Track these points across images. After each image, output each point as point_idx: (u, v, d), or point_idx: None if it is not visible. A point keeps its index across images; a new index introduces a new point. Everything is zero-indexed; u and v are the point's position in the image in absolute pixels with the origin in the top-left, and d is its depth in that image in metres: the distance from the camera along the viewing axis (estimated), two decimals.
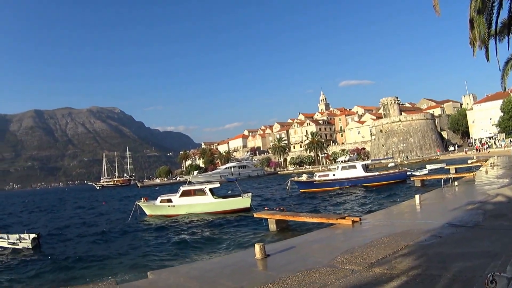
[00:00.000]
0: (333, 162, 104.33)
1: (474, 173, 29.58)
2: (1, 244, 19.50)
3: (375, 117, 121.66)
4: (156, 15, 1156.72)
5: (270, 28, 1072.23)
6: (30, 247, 19.29)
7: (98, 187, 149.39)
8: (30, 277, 14.45)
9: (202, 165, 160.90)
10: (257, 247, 9.63)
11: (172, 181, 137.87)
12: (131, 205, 44.39)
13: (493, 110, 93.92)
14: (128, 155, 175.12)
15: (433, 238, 9.39)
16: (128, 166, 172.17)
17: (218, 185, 30.47)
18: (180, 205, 29.51)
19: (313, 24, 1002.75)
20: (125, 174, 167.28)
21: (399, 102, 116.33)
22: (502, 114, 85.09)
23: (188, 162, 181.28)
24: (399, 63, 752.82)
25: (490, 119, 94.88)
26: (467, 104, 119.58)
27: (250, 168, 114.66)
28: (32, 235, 19.83)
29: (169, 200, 30.10)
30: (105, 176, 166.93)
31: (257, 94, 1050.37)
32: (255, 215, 19.02)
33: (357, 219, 13.75)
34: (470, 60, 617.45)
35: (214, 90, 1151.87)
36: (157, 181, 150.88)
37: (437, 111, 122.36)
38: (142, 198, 32.81)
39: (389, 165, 69.38)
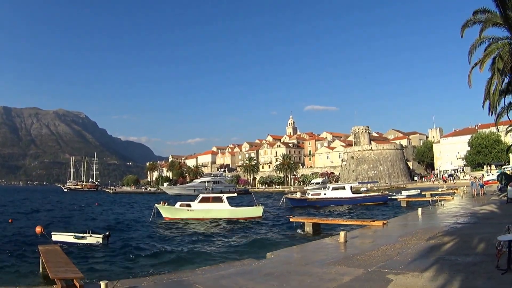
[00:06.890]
0: (301, 184, 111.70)
1: (452, 197, 35.28)
2: (75, 241, 19.98)
3: (344, 144, 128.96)
4: (130, 23, 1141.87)
5: (232, 48, 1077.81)
6: (101, 243, 19.85)
7: (65, 190, 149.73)
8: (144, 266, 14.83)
9: (171, 177, 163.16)
10: (341, 233, 13.20)
11: (143, 190, 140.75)
12: (124, 209, 48.74)
13: (460, 145, 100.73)
14: (95, 161, 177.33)
15: (453, 228, 14.65)
16: (94, 172, 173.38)
17: (235, 194, 34.45)
18: (198, 210, 32.95)
19: (277, 46, 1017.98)
20: (90, 179, 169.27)
21: (369, 131, 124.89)
22: (469, 149, 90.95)
23: (155, 173, 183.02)
24: (366, 92, 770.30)
25: (458, 152, 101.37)
26: (433, 137, 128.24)
27: (223, 184, 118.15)
28: (101, 234, 20.52)
29: (188, 205, 33.56)
30: (70, 179, 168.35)
31: (221, 112, 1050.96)
32: (291, 219, 23.23)
33: (385, 221, 18.34)
34: (437, 94, 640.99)
35: (178, 104, 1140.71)
36: (128, 189, 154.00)
37: (403, 142, 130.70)
38: (161, 202, 35.67)
39: (361, 189, 75.11)
